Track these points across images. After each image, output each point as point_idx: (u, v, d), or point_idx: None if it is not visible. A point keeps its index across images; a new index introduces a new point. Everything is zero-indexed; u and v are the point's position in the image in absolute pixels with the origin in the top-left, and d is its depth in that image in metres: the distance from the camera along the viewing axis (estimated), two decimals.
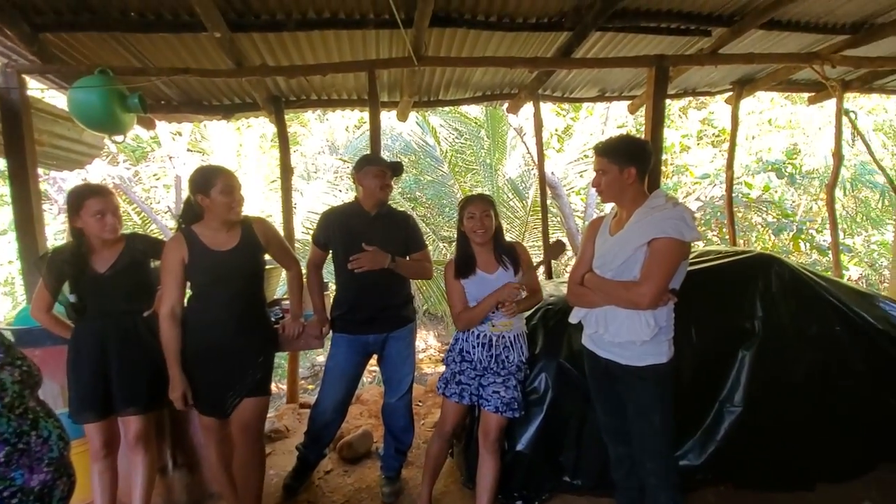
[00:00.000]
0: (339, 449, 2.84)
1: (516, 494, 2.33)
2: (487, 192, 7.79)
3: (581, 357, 2.15)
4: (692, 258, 2.62)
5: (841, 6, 2.89)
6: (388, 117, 4.75)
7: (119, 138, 2.61)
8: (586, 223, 6.86)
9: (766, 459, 2.30)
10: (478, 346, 2.06)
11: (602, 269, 1.81)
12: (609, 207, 1.92)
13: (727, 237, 5.35)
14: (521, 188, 7.76)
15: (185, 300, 2.00)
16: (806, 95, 4.65)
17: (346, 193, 8.26)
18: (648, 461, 1.75)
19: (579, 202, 8.50)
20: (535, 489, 2.34)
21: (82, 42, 2.63)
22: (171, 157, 6.50)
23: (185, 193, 2.05)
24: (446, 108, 7.23)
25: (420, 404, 3.69)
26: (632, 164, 1.71)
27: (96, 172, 6.03)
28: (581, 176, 7.88)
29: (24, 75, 2.59)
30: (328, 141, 10.01)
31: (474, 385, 2.07)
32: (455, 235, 2.21)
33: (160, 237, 4.17)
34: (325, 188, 8.32)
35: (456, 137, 8.23)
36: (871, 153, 4.78)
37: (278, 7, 2.44)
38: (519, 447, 2.24)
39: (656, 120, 3.20)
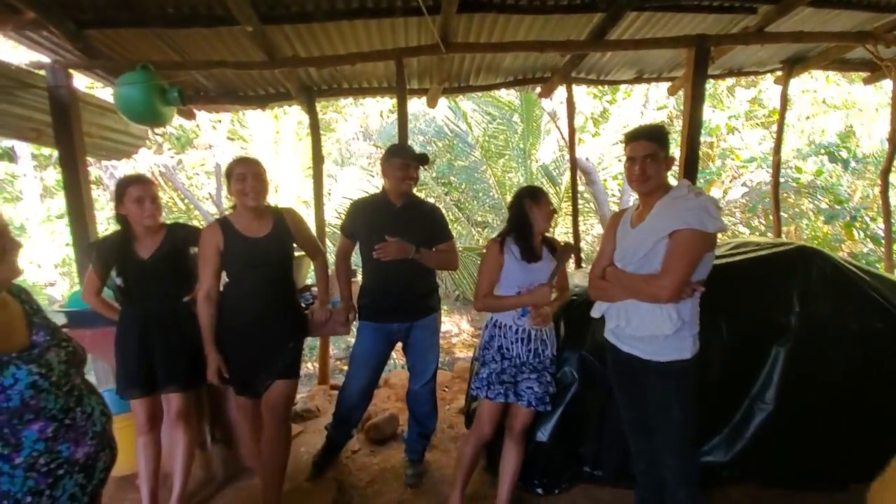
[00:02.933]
0: (366, 430, 2.94)
1: (536, 482, 2.36)
2: (524, 180, 7.69)
3: (604, 350, 2.13)
4: (727, 250, 2.52)
5: None
6: (420, 102, 4.75)
7: (160, 130, 2.74)
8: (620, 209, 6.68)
9: (798, 458, 2.22)
10: (517, 342, 2.01)
11: (623, 263, 1.77)
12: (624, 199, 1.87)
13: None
14: (554, 174, 7.60)
15: (221, 286, 2.11)
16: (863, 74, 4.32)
17: (379, 179, 8.34)
18: (668, 457, 1.72)
19: (616, 187, 8.26)
20: (555, 478, 2.36)
21: (124, 38, 2.75)
22: (210, 146, 6.74)
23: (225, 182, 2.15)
24: (479, 93, 7.13)
25: (447, 389, 3.75)
26: (669, 152, 1.67)
27: (143, 161, 6.36)
28: (619, 160, 7.63)
29: (71, 71, 2.75)
30: (362, 127, 10.11)
31: (513, 382, 2.02)
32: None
33: (202, 223, 4.35)
34: (359, 174, 8.42)
35: (489, 122, 8.11)
36: None
37: None
38: (540, 437, 2.25)
39: (695, 103, 3.05)
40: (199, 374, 2.14)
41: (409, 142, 9.18)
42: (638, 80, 4.20)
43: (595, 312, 1.91)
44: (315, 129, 3.63)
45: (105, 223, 5.66)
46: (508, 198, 8.06)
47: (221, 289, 2.12)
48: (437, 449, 2.83)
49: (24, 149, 8.30)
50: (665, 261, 1.59)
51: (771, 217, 6.47)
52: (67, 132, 2.68)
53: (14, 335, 1.10)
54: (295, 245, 2.24)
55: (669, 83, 4.24)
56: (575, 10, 2.80)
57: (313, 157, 3.64)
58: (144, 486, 2.16)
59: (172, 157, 7.31)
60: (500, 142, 8.05)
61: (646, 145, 1.67)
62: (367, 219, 2.39)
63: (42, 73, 2.70)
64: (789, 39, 2.96)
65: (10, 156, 8.63)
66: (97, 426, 1.17)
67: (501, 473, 2.11)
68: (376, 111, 10.65)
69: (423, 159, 2.39)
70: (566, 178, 7.31)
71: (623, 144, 1.79)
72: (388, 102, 10.18)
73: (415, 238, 2.25)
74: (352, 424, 2.60)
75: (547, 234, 2.09)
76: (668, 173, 1.76)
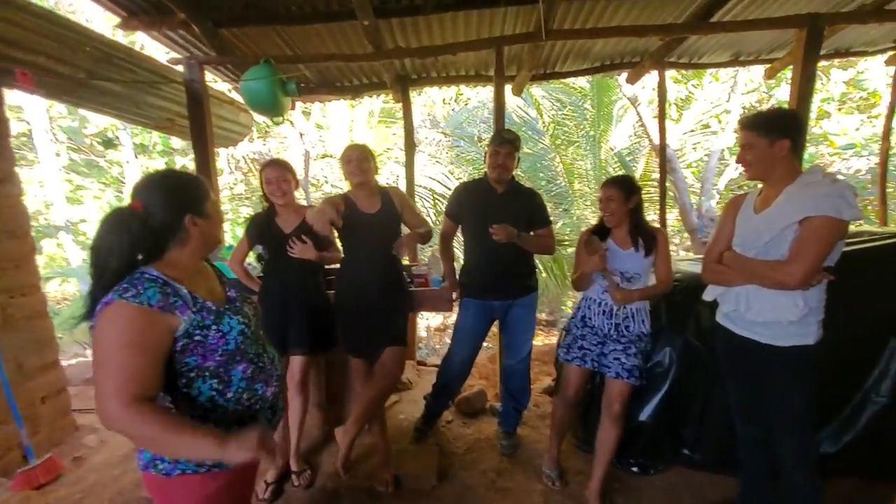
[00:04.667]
0: (458, 403, 3.12)
1: (632, 461, 2.43)
2: (593, 168, 7.56)
3: (709, 334, 2.16)
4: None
5: None
6: (491, 91, 4.80)
7: (278, 119, 2.99)
8: (702, 199, 6.43)
9: None
10: (599, 314, 2.15)
11: (744, 248, 1.78)
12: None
13: (874, 217, 4.75)
14: (628, 161, 7.41)
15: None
16: None
17: (446, 166, 8.49)
18: (788, 439, 1.74)
19: (691, 176, 7.93)
20: (654, 459, 2.42)
21: (249, 35, 3.01)
22: (301, 134, 7.16)
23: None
24: (548, 82, 7.04)
25: None
26: (784, 137, 1.64)
27: (240, 149, 6.90)
28: (695, 148, 7.33)
29: (203, 66, 3.05)
30: (429, 114, 10.27)
31: (596, 352, 2.16)
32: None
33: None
34: (426, 161, 8.60)
35: (558, 109, 8.01)
36: None
37: None
38: (642, 417, 2.32)
39: (805, 87, 2.91)
40: (323, 342, 2.38)
41: (474, 130, 9.12)
42: (734, 62, 4.03)
43: (708, 296, 1.94)
44: (408, 116, 3.80)
45: None
46: (576, 185, 7.99)
47: (339, 265, 2.34)
48: (526, 425, 2.96)
49: (126, 137, 9.16)
50: (796, 247, 1.60)
51: (871, 208, 6.01)
52: (200, 122, 2.98)
53: (216, 292, 1.31)
54: None
55: (766, 66, 4.05)
56: None
57: (406, 144, 3.82)
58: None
59: (264, 144, 7.85)
60: (570, 129, 7.93)
61: (744, 134, 1.71)
62: (471, 203, 2.52)
63: (179, 68, 3.02)
64: None
65: (113, 144, 9.56)
66: (278, 370, 1.36)
67: (598, 453, 2.20)
68: (439, 98, 10.78)
69: (511, 143, 2.41)
70: (641, 164, 7.12)
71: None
72: (451, 90, 10.31)
73: (515, 222, 2.35)
74: (451, 394, 2.78)
75: (644, 224, 2.13)
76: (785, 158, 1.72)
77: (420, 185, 7.43)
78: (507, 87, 4.16)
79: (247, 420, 1.23)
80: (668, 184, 6.69)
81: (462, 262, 2.71)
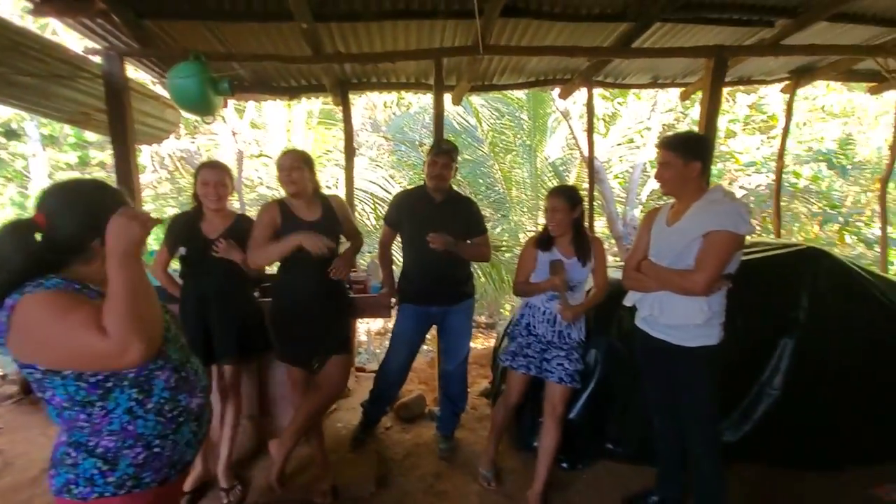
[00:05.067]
0: (397, 409, 3.12)
1: (562, 458, 2.56)
2: (529, 176, 7.85)
3: (630, 336, 2.34)
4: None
5: None
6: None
7: (209, 118, 2.86)
8: (627, 208, 6.89)
9: (800, 441, 2.45)
10: (543, 322, 2.24)
11: (658, 257, 1.95)
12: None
13: (770, 227, 5.32)
14: (561, 171, 7.79)
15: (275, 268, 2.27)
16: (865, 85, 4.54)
17: (386, 170, 8.45)
18: (695, 431, 1.93)
19: (618, 187, 8.47)
20: (580, 454, 2.57)
21: (177, 29, 2.86)
22: (234, 133, 6.83)
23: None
24: (486, 93, 7.24)
25: None
26: (696, 160, 1.84)
27: (166, 146, 6.43)
28: (621, 160, 7.84)
29: (124, 58, 2.86)
30: (370, 118, 10.19)
31: (539, 358, 2.24)
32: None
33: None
34: (367, 165, 8.52)
35: (497, 118, 8.26)
36: None
37: None
38: (570, 416, 2.45)
39: (712, 110, 3.25)
40: (251, 349, 2.31)
41: (415, 135, 9.14)
42: (653, 84, 4.38)
43: (628, 301, 2.10)
44: (348, 121, 3.77)
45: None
46: (514, 192, 8.25)
47: (275, 271, 2.28)
48: (464, 428, 3.03)
49: (32, 129, 8.27)
50: (699, 258, 1.78)
51: (769, 220, 6.74)
52: (120, 117, 2.79)
53: None
54: None
55: (681, 88, 4.44)
56: (606, 18, 2.97)
57: (346, 150, 3.79)
58: None
59: (192, 143, 7.39)
60: (508, 137, 8.20)
61: (663, 153, 1.89)
62: (409, 211, 2.56)
63: (96, 59, 2.81)
64: (804, 52, 3.16)
65: (17, 135, 8.60)
66: (202, 381, 1.31)
67: (541, 451, 2.29)
68: (380, 101, 10.73)
69: (448, 154, 2.47)
70: (573, 175, 7.50)
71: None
72: (393, 94, 10.30)
73: (452, 231, 2.42)
74: (388, 401, 2.79)
75: (584, 233, 2.23)
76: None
77: (360, 190, 7.35)
78: (448, 96, 4.26)
79: (169, 434, 1.17)
80: (596, 193, 7.13)
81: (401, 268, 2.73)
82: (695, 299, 1.82)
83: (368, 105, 10.56)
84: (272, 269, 2.44)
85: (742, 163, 7.60)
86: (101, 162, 8.74)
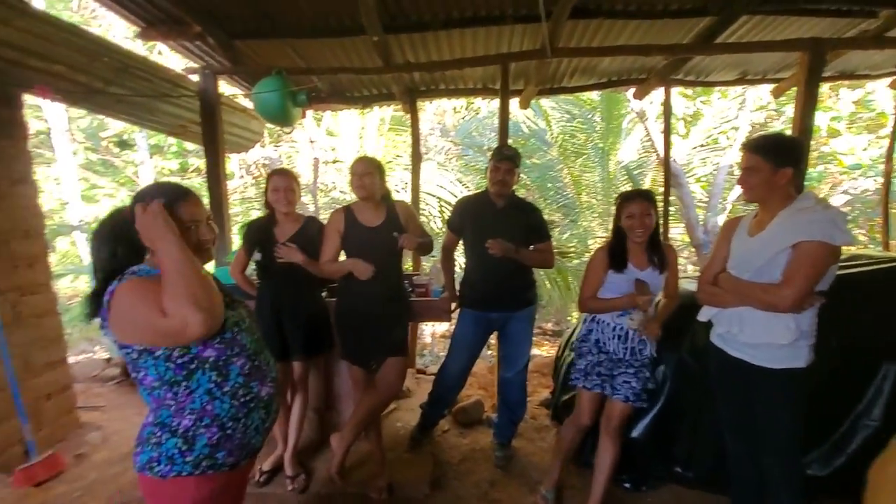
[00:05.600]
0: (455, 413, 3.14)
1: (625, 478, 2.44)
2: (601, 180, 7.58)
3: (703, 353, 2.17)
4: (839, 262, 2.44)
5: None
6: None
7: (288, 129, 3.06)
8: (708, 214, 6.41)
9: None
10: (614, 338, 2.10)
11: (738, 270, 1.80)
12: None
13: (878, 237, 4.71)
14: (635, 174, 7.42)
15: None
16: None
17: (454, 174, 8.54)
18: (775, 461, 1.75)
19: (700, 192, 7.91)
20: (644, 475, 2.43)
21: (262, 47, 3.10)
22: (312, 141, 7.27)
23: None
24: (555, 96, 7.07)
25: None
26: (788, 165, 1.67)
27: (251, 154, 7.01)
28: (704, 163, 7.31)
29: (217, 76, 3.15)
30: (438, 123, 10.36)
31: (606, 374, 2.11)
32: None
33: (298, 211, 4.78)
34: (435, 169, 8.66)
35: (567, 121, 8.05)
36: None
37: (426, 9, 2.67)
38: (634, 434, 2.33)
39: (807, 108, 2.94)
40: (318, 347, 2.43)
41: (483, 140, 9.12)
42: (740, 81, 4.06)
43: (702, 316, 1.95)
44: (416, 128, 3.87)
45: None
46: (584, 197, 8.00)
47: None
48: (522, 437, 2.97)
49: (141, 140, 9.34)
50: (788, 271, 1.62)
51: (877, 229, 5.96)
52: (212, 129, 3.07)
53: None
54: None
55: (773, 84, 4.07)
56: (684, 14, 2.81)
57: (412, 155, 3.88)
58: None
59: (275, 150, 7.98)
60: (579, 140, 7.97)
61: (748, 157, 1.71)
62: (471, 216, 2.56)
63: (194, 77, 3.11)
64: None
65: (129, 145, 9.75)
66: (273, 373, 1.40)
67: (597, 468, 2.19)
68: (450, 106, 10.87)
69: (510, 160, 2.44)
70: (648, 179, 7.12)
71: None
72: (461, 100, 10.40)
73: (514, 237, 2.38)
74: (447, 404, 2.81)
75: (659, 241, 2.08)
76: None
77: (428, 193, 7.49)
78: (515, 101, 4.23)
79: (241, 418, 1.27)
80: (673, 198, 6.71)
81: (462, 273, 2.75)
82: (780, 316, 1.66)
83: (438, 111, 10.75)
84: None
85: (846, 165, 6.79)
86: (197, 168, 9.66)
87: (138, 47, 5.82)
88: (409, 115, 3.97)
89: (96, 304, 1.18)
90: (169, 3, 2.57)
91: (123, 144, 9.84)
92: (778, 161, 1.66)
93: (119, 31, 7.79)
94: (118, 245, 1.22)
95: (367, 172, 2.24)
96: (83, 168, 9.49)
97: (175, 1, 2.53)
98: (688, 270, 7.52)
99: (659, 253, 2.06)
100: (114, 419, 3.30)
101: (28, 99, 2.81)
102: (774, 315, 1.67)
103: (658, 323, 2.03)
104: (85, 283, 9.13)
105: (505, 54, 3.02)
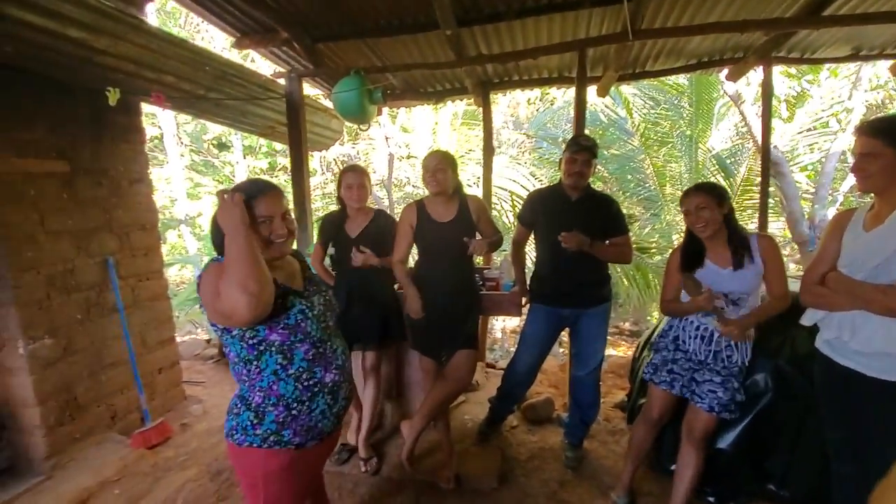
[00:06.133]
0: (524, 410, 3.10)
1: (709, 491, 2.26)
2: (687, 170, 7.07)
3: (804, 361, 1.98)
4: None
5: None
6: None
7: (365, 126, 3.19)
8: (815, 206, 5.73)
9: None
10: (696, 338, 1.95)
11: (851, 270, 1.59)
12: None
13: None
14: (729, 163, 6.81)
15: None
16: None
17: (528, 167, 8.38)
18: None
19: (805, 181, 7.10)
20: (732, 490, 2.23)
21: (342, 49, 3.24)
22: (387, 137, 7.53)
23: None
24: (636, 81, 6.66)
25: (601, 383, 3.72)
26: None
27: (332, 151, 7.42)
28: (811, 149, 6.53)
29: (302, 78, 3.34)
30: (512, 115, 10.22)
31: (687, 377, 1.98)
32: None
33: (372, 206, 4.95)
34: (507, 163, 8.57)
35: (651, 108, 7.57)
36: None
37: None
38: (721, 444, 2.15)
39: None
40: (390, 337, 2.51)
41: (558, 131, 8.83)
42: (853, 57, 3.55)
43: (807, 320, 1.75)
44: (488, 121, 3.85)
45: None
46: (668, 189, 7.50)
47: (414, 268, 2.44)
48: (594, 439, 2.87)
49: (237, 142, 10.21)
50: None
51: None
52: (297, 129, 3.27)
53: (294, 280, 1.45)
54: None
55: (893, 60, 3.52)
56: None
57: (484, 149, 3.87)
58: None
59: (353, 147, 8.39)
60: (663, 128, 7.46)
61: (865, 141, 1.50)
62: (544, 210, 2.49)
63: (281, 81, 3.33)
64: None
65: (227, 147, 10.70)
66: (339, 360, 1.46)
67: (677, 477, 2.05)
68: (524, 99, 10.67)
69: (588, 150, 2.33)
70: (744, 168, 6.50)
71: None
72: (536, 90, 10.17)
73: (589, 230, 2.29)
74: (515, 400, 2.77)
75: (740, 232, 1.88)
76: None
77: (500, 188, 7.43)
78: (592, 89, 4.05)
79: (305, 401, 1.34)
80: (773, 189, 6.07)
81: (533, 267, 2.69)
82: None
83: (511, 103, 10.61)
84: (411, 262, 2.62)
85: None
86: (283, 167, 10.38)
87: (234, 56, 6.35)
88: (481, 109, 3.95)
89: None
90: (261, 13, 2.76)
91: (222, 146, 10.83)
92: None
93: (218, 42, 8.56)
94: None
95: (440, 168, 2.25)
96: (189, 168, 10.59)
97: (266, 10, 2.72)
98: (790, 269, 6.78)
99: (741, 247, 1.86)
100: (213, 394, 3.66)
101: (145, 107, 3.18)
102: (893, 321, 1.46)
103: (740, 324, 1.82)
104: (190, 272, 10.20)
105: (582, 40, 2.89)
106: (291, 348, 1.33)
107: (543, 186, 2.72)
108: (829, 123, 6.20)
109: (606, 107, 8.07)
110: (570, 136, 2.44)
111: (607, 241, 2.42)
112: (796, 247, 5.82)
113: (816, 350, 1.76)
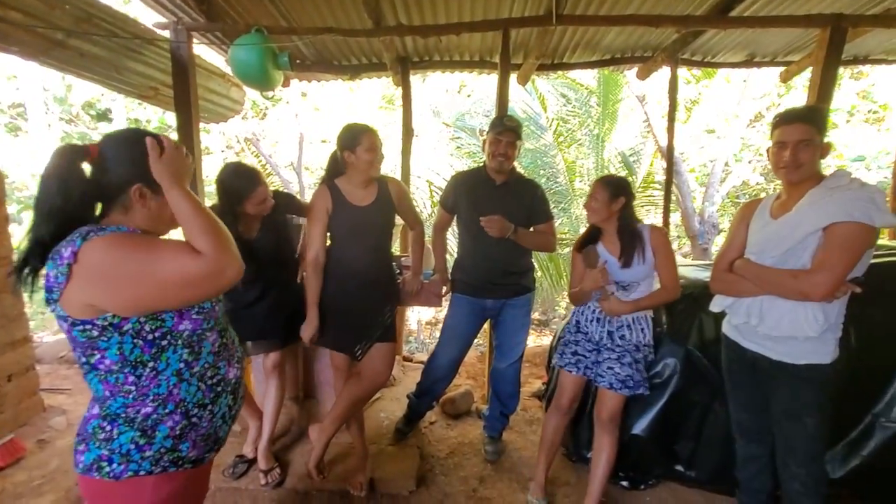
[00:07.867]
0: (443, 404, 2.97)
1: (622, 475, 2.30)
2: (595, 166, 7.42)
3: (712, 346, 2.04)
4: None
5: None
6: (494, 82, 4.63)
7: (269, 93, 2.81)
8: (705, 204, 6.30)
9: None
10: (592, 321, 2.02)
11: (760, 256, 1.64)
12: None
13: (885, 232, 4.62)
14: (632, 161, 7.26)
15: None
16: None
17: (445, 157, 8.30)
18: (796, 466, 1.61)
19: (692, 181, 7.79)
20: (644, 473, 2.29)
21: (242, 3, 2.82)
22: (296, 115, 6.96)
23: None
24: (555, 73, 6.85)
25: None
26: (825, 139, 1.52)
27: (232, 127, 6.67)
28: (703, 150, 7.16)
29: (191, 32, 2.86)
30: (429, 103, 10.06)
31: (591, 359, 2.02)
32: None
33: (281, 189, 4.49)
34: (426, 152, 8.41)
35: (563, 105, 7.84)
36: None
37: None
38: (636, 430, 2.19)
39: (825, 91, 2.79)
40: (296, 334, 2.21)
41: (475, 122, 8.85)
42: (748, 63, 3.87)
43: (715, 307, 1.80)
44: (407, 100, 3.63)
45: None
46: (577, 184, 7.84)
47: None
48: (513, 430, 2.83)
49: (120, 109, 8.90)
50: (821, 256, 1.46)
51: None
52: (185, 92, 2.80)
53: None
54: None
55: (782, 68, 3.90)
56: None
57: (403, 130, 3.65)
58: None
59: (258, 125, 7.65)
60: (574, 126, 7.77)
61: (802, 129, 1.51)
62: (466, 193, 2.36)
63: (165, 33, 2.83)
64: None
65: (107, 117, 9.29)
66: (239, 353, 1.25)
67: (593, 464, 2.05)
68: (442, 87, 10.56)
69: (513, 131, 2.21)
70: (644, 166, 6.97)
71: (771, 128, 1.64)
72: (454, 80, 10.10)
73: (513, 216, 2.20)
74: (435, 395, 2.63)
75: (629, 225, 1.92)
76: (822, 161, 1.60)
77: (417, 176, 7.26)
78: (513, 78, 4.00)
79: (207, 404, 1.11)
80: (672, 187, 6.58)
81: (455, 255, 2.55)
82: (807, 306, 1.50)
83: (429, 92, 10.46)
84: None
85: (844, 157, 6.71)
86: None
87: None
88: (399, 93, 3.72)
89: (39, 265, 0.98)
90: None
91: (101, 116, 9.37)
92: (822, 132, 1.50)
93: None
94: (75, 188, 1.00)
95: (380, 145, 2.03)
96: (60, 141, 9.03)
97: None
98: (679, 260, 7.43)
99: (629, 236, 1.91)
100: (80, 403, 3.08)
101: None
102: (800, 305, 1.51)
103: (620, 302, 1.91)
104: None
105: (507, 19, 2.78)
106: (200, 339, 1.09)
107: (467, 169, 2.58)
108: (716, 129, 6.85)
109: (522, 101, 8.22)
110: (487, 128, 2.30)
111: (531, 228, 2.34)
112: (688, 240, 6.38)
113: (723, 335, 1.82)
